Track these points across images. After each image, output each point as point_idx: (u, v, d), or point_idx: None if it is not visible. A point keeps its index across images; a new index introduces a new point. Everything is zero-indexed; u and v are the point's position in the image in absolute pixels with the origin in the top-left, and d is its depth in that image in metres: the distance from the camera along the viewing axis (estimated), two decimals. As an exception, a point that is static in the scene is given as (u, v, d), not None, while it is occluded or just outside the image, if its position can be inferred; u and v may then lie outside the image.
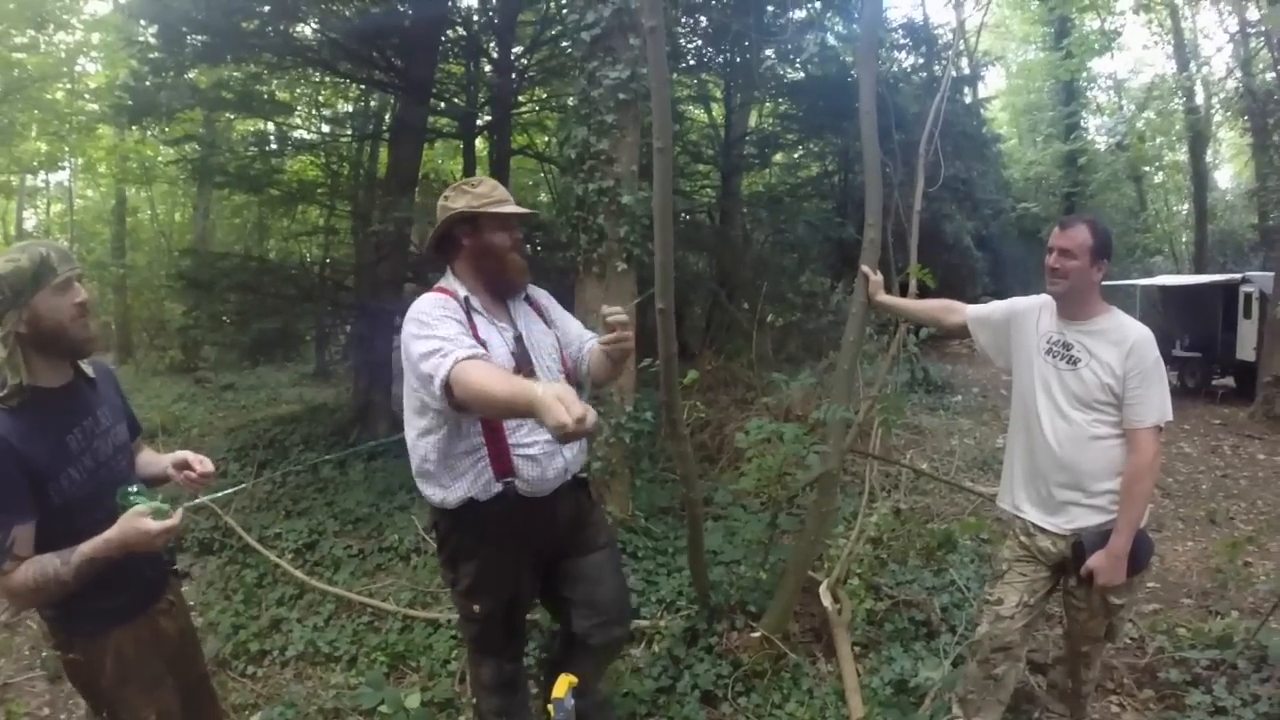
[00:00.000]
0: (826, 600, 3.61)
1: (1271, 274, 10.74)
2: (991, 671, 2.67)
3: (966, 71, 14.21)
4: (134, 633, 1.98)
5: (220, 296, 7.67)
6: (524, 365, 2.26)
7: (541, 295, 2.56)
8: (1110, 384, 2.41)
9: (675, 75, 9.97)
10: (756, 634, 3.46)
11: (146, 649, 2.00)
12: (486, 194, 2.31)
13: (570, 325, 2.56)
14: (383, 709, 3.26)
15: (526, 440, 2.25)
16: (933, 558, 4.34)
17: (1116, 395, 2.42)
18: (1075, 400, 2.48)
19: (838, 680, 3.25)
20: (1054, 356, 2.57)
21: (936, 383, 11.13)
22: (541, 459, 2.27)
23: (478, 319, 2.27)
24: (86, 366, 1.98)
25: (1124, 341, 2.42)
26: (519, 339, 2.33)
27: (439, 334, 2.05)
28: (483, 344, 2.16)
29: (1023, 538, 2.66)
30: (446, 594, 4.39)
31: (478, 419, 2.19)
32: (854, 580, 3.93)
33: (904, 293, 3.89)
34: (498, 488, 2.23)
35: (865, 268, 3.21)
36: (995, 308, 2.88)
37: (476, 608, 2.38)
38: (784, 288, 9.84)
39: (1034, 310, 2.71)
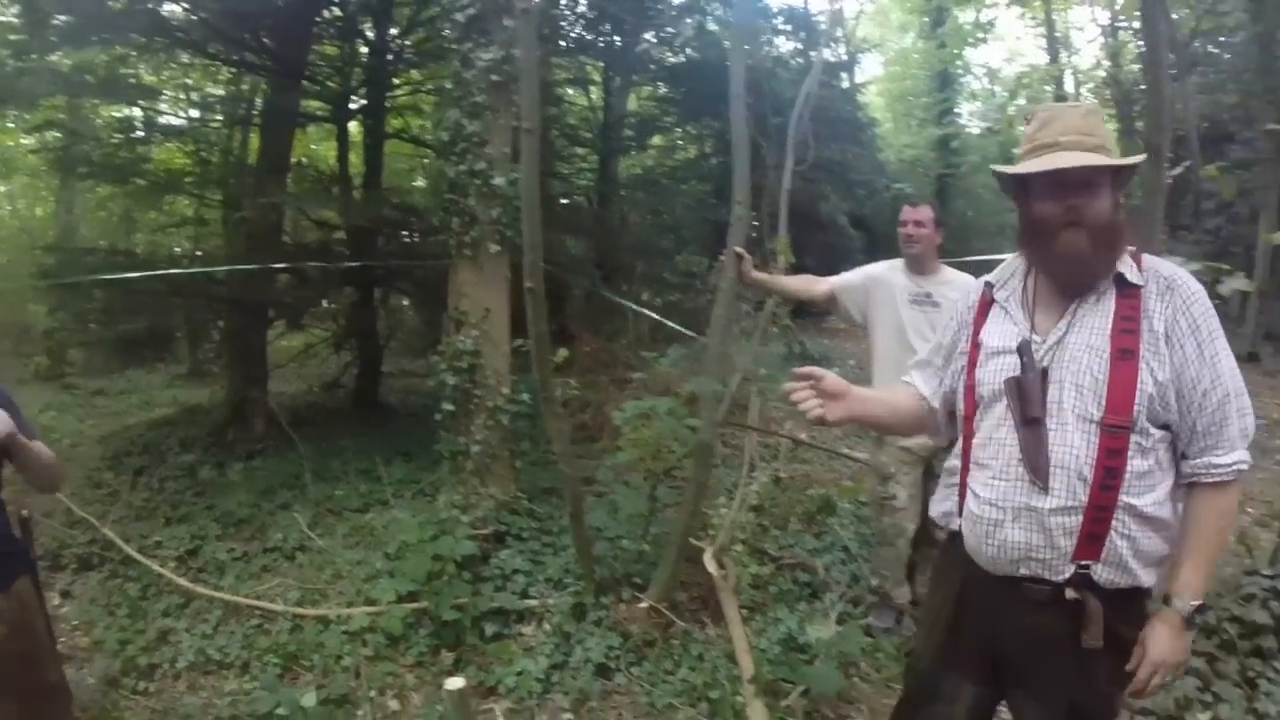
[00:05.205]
0: (711, 567, 3.72)
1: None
2: (897, 550, 3.48)
3: (845, 57, 14.63)
4: None
5: (85, 294, 7.22)
6: (1028, 391, 1.56)
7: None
8: None
9: (554, 58, 9.90)
10: (644, 605, 3.55)
11: None
12: (1031, 134, 1.62)
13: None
14: (279, 711, 3.17)
15: (976, 479, 1.65)
16: (813, 522, 4.53)
17: None
18: None
19: (727, 643, 3.35)
20: (919, 305, 3.27)
21: (814, 356, 11.39)
22: (982, 515, 1.61)
23: (994, 313, 1.74)
24: None
25: (964, 286, 2.72)
26: (1024, 348, 1.60)
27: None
28: (976, 349, 1.70)
29: (900, 443, 3.33)
30: (335, 590, 4.31)
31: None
32: (738, 547, 4.05)
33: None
34: (955, 522, 1.71)
35: (738, 248, 3.37)
36: (853, 274, 3.57)
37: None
38: (662, 268, 10.01)
39: (886, 272, 3.45)
